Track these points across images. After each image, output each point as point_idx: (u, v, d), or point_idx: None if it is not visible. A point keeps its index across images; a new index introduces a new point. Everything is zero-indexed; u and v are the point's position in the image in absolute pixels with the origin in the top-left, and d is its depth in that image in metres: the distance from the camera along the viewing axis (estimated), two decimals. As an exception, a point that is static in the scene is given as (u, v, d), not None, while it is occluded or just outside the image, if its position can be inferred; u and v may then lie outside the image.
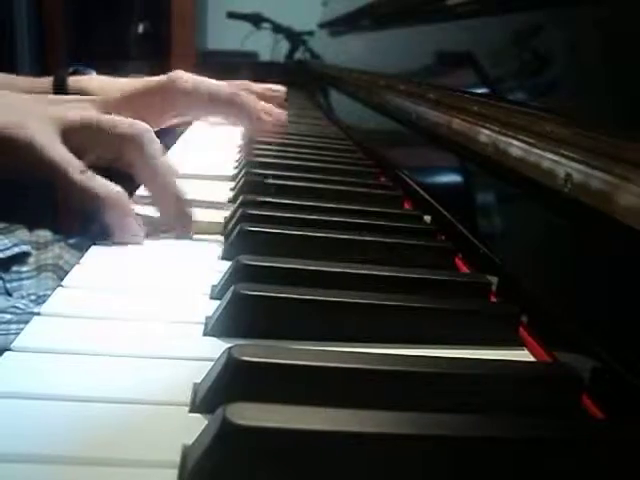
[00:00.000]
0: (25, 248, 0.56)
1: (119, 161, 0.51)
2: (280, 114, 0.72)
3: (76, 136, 0.50)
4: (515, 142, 0.47)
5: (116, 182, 0.49)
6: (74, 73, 0.88)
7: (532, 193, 0.44)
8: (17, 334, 0.33)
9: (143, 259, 0.46)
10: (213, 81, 0.65)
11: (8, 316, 0.45)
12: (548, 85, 0.47)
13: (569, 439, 0.24)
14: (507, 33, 0.56)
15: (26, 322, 0.35)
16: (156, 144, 0.51)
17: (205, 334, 0.35)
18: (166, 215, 0.52)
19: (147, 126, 0.52)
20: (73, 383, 0.29)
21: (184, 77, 0.63)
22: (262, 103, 0.69)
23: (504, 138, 0.49)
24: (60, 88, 0.93)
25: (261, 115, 0.67)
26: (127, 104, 0.58)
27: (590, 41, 0.42)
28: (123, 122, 0.52)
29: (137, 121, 0.52)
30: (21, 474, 0.23)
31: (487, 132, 0.52)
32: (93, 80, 0.93)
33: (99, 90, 0.92)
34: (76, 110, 0.53)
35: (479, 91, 0.60)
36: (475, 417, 0.25)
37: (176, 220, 0.52)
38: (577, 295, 0.36)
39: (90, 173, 0.48)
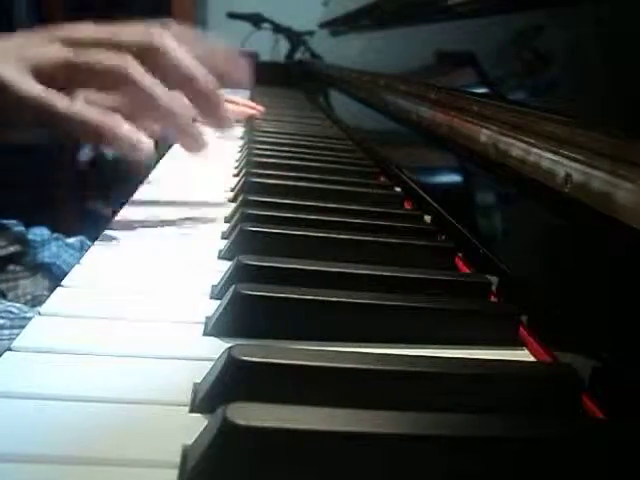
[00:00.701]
0: (20, 248, 0.55)
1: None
2: None
3: (48, 76, 0.47)
4: (515, 142, 0.47)
5: (115, 177, 0.48)
6: None
7: (532, 193, 0.44)
8: (10, 339, 0.33)
9: (143, 259, 0.46)
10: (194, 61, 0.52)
11: (1, 321, 0.44)
12: (548, 85, 0.47)
13: (569, 439, 0.24)
14: (507, 33, 0.56)
15: (19, 327, 0.34)
16: (142, 73, 0.47)
17: (205, 334, 0.35)
18: (173, 132, 0.50)
19: (126, 57, 0.48)
20: (73, 383, 0.29)
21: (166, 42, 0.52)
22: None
23: (504, 138, 0.49)
24: None
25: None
26: (102, 46, 0.50)
27: (590, 41, 0.42)
28: (97, 56, 0.47)
29: (111, 54, 0.48)
30: (20, 474, 0.23)
31: (487, 132, 0.52)
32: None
33: None
34: (41, 46, 0.48)
35: (479, 91, 0.60)
36: (474, 417, 0.25)
37: (184, 140, 0.50)
38: (577, 295, 0.36)
39: (70, 101, 0.46)
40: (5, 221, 0.68)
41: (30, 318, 0.36)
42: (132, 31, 0.50)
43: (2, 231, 0.68)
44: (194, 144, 0.52)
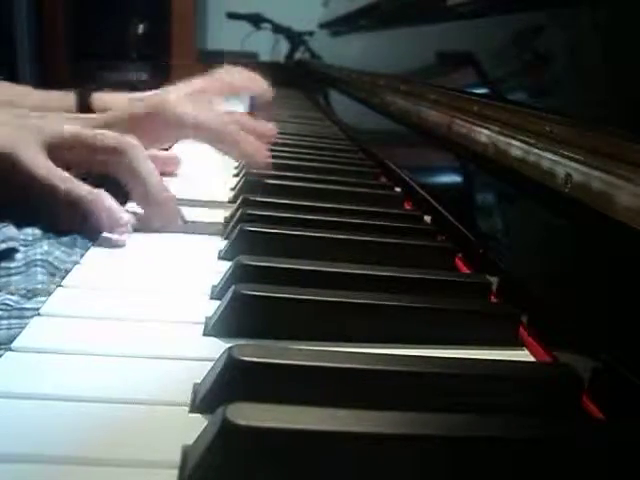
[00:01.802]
0: (13, 244, 0.56)
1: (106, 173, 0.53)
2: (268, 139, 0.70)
3: (61, 151, 0.52)
4: (515, 142, 0.47)
5: (110, 191, 0.50)
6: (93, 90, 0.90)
7: (532, 193, 0.44)
8: (8, 329, 0.33)
9: (143, 259, 0.46)
10: (204, 109, 0.62)
11: None
12: (548, 85, 0.47)
13: (569, 439, 0.24)
14: (507, 33, 0.56)
15: (16, 317, 0.35)
16: (140, 158, 0.52)
17: (205, 334, 0.35)
18: (157, 222, 0.53)
19: (133, 141, 0.53)
20: (73, 383, 0.29)
21: (170, 105, 0.61)
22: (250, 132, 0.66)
23: (504, 138, 0.49)
24: (83, 109, 0.95)
25: (249, 150, 0.64)
26: (114, 127, 0.57)
27: (590, 41, 0.42)
28: (106, 135, 0.53)
29: (122, 136, 0.53)
30: (21, 474, 0.23)
31: (487, 132, 0.52)
32: (117, 97, 0.95)
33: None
34: (59, 124, 0.54)
35: (479, 91, 0.60)
36: (474, 417, 0.25)
37: (168, 225, 0.53)
38: (577, 295, 0.36)
39: (74, 180, 0.50)
40: None
41: (27, 309, 0.36)
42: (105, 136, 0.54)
43: None
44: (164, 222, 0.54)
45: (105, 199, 0.50)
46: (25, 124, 0.53)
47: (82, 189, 0.50)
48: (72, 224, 0.50)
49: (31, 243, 0.64)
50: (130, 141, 0.53)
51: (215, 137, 0.62)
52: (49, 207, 0.51)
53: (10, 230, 0.57)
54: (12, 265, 0.58)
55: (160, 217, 0.53)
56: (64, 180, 0.50)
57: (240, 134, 0.63)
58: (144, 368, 0.31)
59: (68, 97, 0.97)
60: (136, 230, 0.51)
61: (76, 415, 0.27)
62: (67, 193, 0.49)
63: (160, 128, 0.61)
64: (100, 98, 0.96)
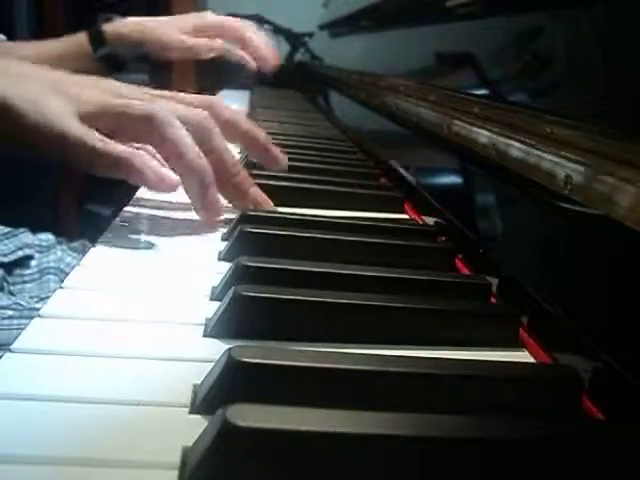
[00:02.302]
0: (28, 252, 0.56)
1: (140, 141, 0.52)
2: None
3: (94, 119, 0.51)
4: (515, 143, 0.47)
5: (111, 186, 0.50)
6: (107, 20, 0.93)
7: (532, 194, 0.44)
8: (19, 329, 0.33)
9: (143, 260, 0.46)
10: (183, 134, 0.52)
11: (10, 312, 0.46)
12: (548, 86, 0.47)
13: (569, 439, 0.24)
14: (507, 34, 0.56)
15: (28, 318, 0.35)
16: (174, 123, 0.50)
17: (205, 335, 0.35)
18: (192, 195, 0.52)
19: (165, 106, 0.51)
20: (73, 384, 0.29)
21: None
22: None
23: (504, 139, 0.49)
24: (98, 40, 0.99)
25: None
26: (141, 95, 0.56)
27: (590, 41, 0.42)
28: (134, 105, 0.51)
29: (153, 102, 0.52)
30: (21, 475, 0.23)
31: (487, 133, 0.52)
32: (127, 21, 1.00)
33: (135, 29, 1.00)
34: (91, 93, 0.53)
35: (479, 92, 0.60)
36: (474, 418, 0.25)
37: (202, 203, 0.52)
38: (577, 296, 0.36)
39: (107, 140, 0.49)
40: (13, 227, 0.69)
41: (38, 309, 0.36)
42: (137, 104, 0.53)
43: (10, 237, 0.69)
44: (207, 211, 0.53)
45: (148, 157, 0.49)
46: (59, 90, 0.52)
47: (121, 148, 0.49)
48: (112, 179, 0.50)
49: (45, 249, 0.65)
50: (158, 108, 0.51)
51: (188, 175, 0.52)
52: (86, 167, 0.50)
53: (26, 237, 0.58)
54: (26, 272, 0.59)
55: (197, 183, 0.51)
56: (103, 141, 0.49)
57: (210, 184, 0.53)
58: (144, 369, 0.31)
59: (81, 36, 1.01)
60: (135, 230, 0.51)
61: (76, 416, 0.27)
62: (108, 153, 0.48)
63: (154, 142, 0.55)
64: (112, 26, 1.00)
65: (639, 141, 0.32)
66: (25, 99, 0.49)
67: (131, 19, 1.12)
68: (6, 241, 0.68)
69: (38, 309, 0.36)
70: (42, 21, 2.43)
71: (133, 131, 0.51)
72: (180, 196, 0.65)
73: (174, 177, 0.49)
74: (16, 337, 0.33)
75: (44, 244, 0.66)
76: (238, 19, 1.21)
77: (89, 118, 0.50)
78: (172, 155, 0.50)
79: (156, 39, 1.07)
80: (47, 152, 0.51)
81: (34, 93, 0.50)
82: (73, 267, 0.47)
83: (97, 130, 0.50)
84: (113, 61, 1.08)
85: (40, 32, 2.43)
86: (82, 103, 0.51)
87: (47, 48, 1.05)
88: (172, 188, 0.49)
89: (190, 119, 0.52)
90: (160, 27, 1.09)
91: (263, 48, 1.12)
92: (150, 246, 0.49)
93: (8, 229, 0.71)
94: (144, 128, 0.50)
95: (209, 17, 1.15)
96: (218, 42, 1.08)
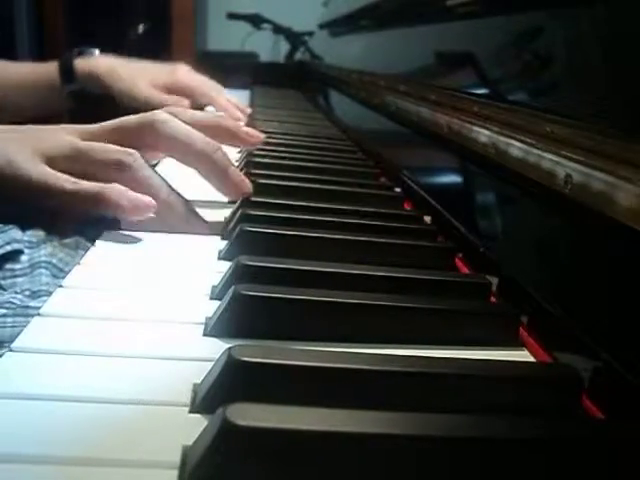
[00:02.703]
0: (17, 246, 0.56)
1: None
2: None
3: (58, 164, 0.51)
4: (515, 142, 0.47)
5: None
6: (80, 54, 0.93)
7: (532, 193, 0.44)
8: (13, 327, 0.33)
9: (143, 259, 0.46)
10: (190, 128, 0.57)
11: (3, 310, 0.46)
12: (548, 85, 0.47)
13: (569, 439, 0.24)
14: (507, 33, 0.56)
15: (22, 315, 0.35)
16: (145, 167, 0.52)
17: (205, 334, 0.35)
18: (214, 179, 0.57)
19: (128, 150, 0.52)
20: (73, 384, 0.29)
21: (162, 117, 0.56)
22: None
23: (504, 138, 0.49)
24: (68, 72, 0.99)
25: (230, 180, 0.59)
26: (109, 136, 0.55)
27: (590, 41, 0.42)
28: (102, 148, 0.52)
29: (114, 147, 0.52)
30: (21, 474, 0.23)
31: (487, 132, 0.52)
32: (100, 61, 1.00)
33: (109, 72, 1.01)
34: (52, 138, 0.53)
35: (479, 91, 0.60)
36: (474, 418, 0.25)
37: (226, 183, 0.57)
38: (577, 295, 0.36)
39: (76, 180, 0.50)
40: (2, 224, 0.69)
41: (32, 307, 0.36)
42: (133, 118, 0.56)
43: (1, 232, 0.69)
44: (235, 187, 0.58)
45: (122, 188, 0.49)
46: (25, 136, 0.53)
47: (92, 185, 0.49)
48: (82, 220, 0.51)
49: (35, 245, 0.65)
50: (132, 152, 0.51)
51: (202, 161, 0.57)
52: (54, 209, 0.51)
53: (15, 232, 0.58)
54: (17, 267, 0.59)
55: (173, 219, 0.52)
56: (69, 181, 0.50)
57: (228, 164, 0.58)
58: (144, 368, 0.31)
59: (51, 67, 1.02)
60: (135, 229, 0.51)
61: (75, 415, 0.27)
62: (75, 192, 0.49)
63: (153, 142, 0.57)
64: (85, 63, 1.01)
65: (639, 140, 0.32)
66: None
67: (104, 59, 1.13)
68: None
69: (32, 307, 0.36)
70: (42, 21, 2.44)
71: (104, 174, 0.51)
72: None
73: (148, 200, 0.49)
74: (10, 335, 0.33)
75: (34, 240, 0.66)
76: (207, 81, 1.21)
77: (57, 161, 0.51)
78: (179, 149, 0.54)
79: (126, 90, 1.09)
80: (19, 200, 0.51)
81: None
82: (66, 262, 0.47)
83: (67, 172, 0.50)
84: (80, 97, 1.09)
85: (40, 32, 2.43)
86: (47, 148, 0.52)
87: (14, 71, 1.05)
88: (149, 211, 0.49)
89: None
90: (132, 78, 1.10)
91: (233, 109, 1.14)
92: (150, 245, 0.49)
93: None
94: (117, 174, 0.51)
95: (180, 75, 1.16)
96: (185, 103, 1.08)
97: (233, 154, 0.90)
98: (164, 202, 0.52)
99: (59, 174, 0.50)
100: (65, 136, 0.54)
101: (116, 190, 0.49)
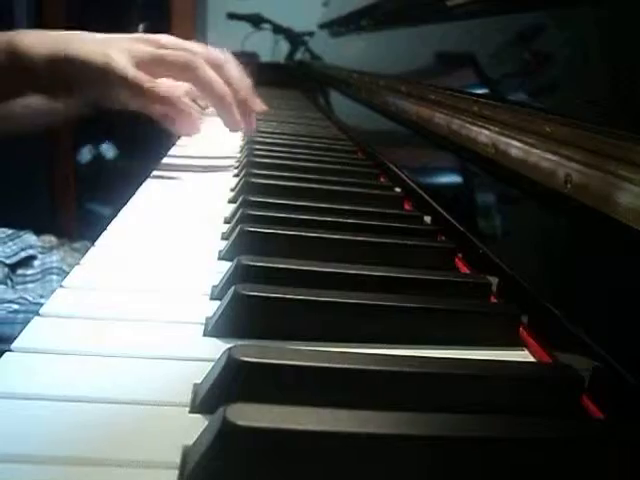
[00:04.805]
0: (31, 252, 0.57)
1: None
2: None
3: (145, 65, 0.66)
4: (515, 143, 0.47)
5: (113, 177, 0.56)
6: None
7: (532, 193, 0.44)
8: (23, 324, 0.33)
9: (143, 259, 0.46)
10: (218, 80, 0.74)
11: (15, 306, 0.46)
12: (548, 85, 0.47)
13: (569, 439, 0.24)
14: (507, 33, 0.56)
15: (33, 312, 0.35)
16: (204, 66, 0.69)
17: (205, 334, 0.35)
18: (222, 113, 0.73)
19: (198, 50, 0.72)
20: (73, 384, 0.29)
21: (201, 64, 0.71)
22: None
23: (504, 139, 0.49)
24: None
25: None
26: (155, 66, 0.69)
27: (590, 41, 0.42)
28: (178, 54, 0.69)
29: (187, 51, 0.70)
30: (21, 475, 0.23)
31: (487, 132, 0.52)
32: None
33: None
34: (138, 46, 0.68)
35: (479, 91, 0.60)
36: (474, 417, 0.25)
37: (240, 121, 0.75)
38: (577, 295, 0.36)
39: (156, 81, 0.65)
40: (17, 229, 0.70)
41: (43, 304, 0.36)
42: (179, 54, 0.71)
43: (14, 238, 0.70)
44: (234, 123, 0.75)
45: (187, 102, 0.68)
46: (113, 45, 0.66)
47: (168, 89, 0.65)
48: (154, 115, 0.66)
49: (47, 250, 0.66)
50: (191, 57, 0.68)
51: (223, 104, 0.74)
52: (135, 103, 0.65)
53: (29, 237, 0.59)
54: (29, 272, 0.61)
55: (224, 103, 0.71)
56: (153, 82, 0.64)
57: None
58: (144, 368, 0.31)
59: None
60: (135, 229, 0.51)
61: (76, 415, 0.27)
62: (156, 91, 0.64)
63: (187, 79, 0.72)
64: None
65: (639, 140, 0.32)
66: (88, 50, 0.62)
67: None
68: (10, 243, 0.69)
69: (43, 304, 0.37)
70: (42, 22, 2.43)
71: (175, 73, 0.68)
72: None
73: (198, 118, 0.69)
74: (20, 332, 0.33)
75: (47, 245, 0.67)
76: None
77: (142, 65, 0.65)
78: (206, 88, 0.70)
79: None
80: (103, 96, 0.65)
81: (94, 47, 0.64)
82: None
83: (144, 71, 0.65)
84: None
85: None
86: (134, 53, 0.66)
87: None
88: (196, 125, 0.69)
89: (213, 60, 0.72)
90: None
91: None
92: (150, 245, 0.49)
93: (12, 231, 0.72)
94: (185, 71, 0.67)
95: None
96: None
97: (234, 154, 0.90)
98: (217, 93, 0.70)
99: (143, 75, 0.64)
100: (144, 45, 0.69)
101: (182, 101, 0.66)
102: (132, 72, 0.63)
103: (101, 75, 0.62)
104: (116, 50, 0.64)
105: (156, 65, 0.67)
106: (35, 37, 0.63)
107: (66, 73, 0.63)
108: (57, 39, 0.64)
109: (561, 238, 0.41)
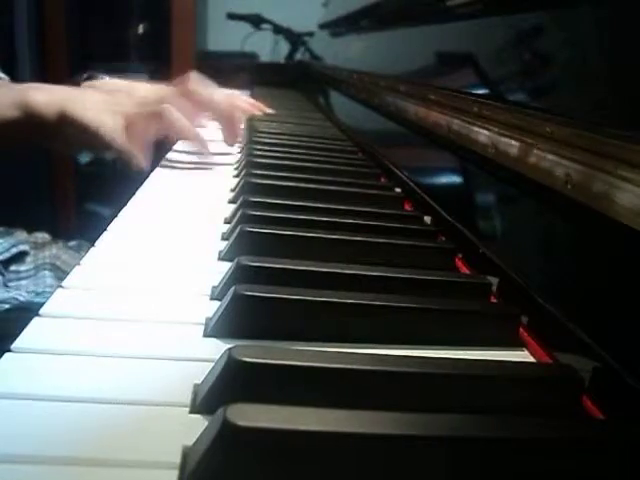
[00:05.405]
0: (22, 247, 0.57)
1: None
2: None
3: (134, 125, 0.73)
4: (515, 143, 0.47)
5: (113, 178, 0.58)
6: (88, 79, 0.94)
7: (532, 193, 0.44)
8: (17, 322, 0.33)
9: (143, 260, 0.46)
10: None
11: (7, 306, 0.46)
12: (548, 85, 0.47)
13: (569, 439, 0.24)
14: (507, 34, 0.56)
15: (27, 310, 0.35)
16: (175, 113, 0.75)
17: (205, 335, 0.35)
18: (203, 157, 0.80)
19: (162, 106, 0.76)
20: (73, 384, 0.29)
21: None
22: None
23: (504, 139, 0.49)
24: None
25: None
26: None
27: (590, 41, 0.42)
28: (157, 108, 0.75)
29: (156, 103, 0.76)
30: (21, 475, 0.23)
31: (487, 133, 0.52)
32: (105, 84, 1.03)
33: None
34: (127, 104, 0.75)
35: (479, 92, 0.60)
36: (474, 417, 0.25)
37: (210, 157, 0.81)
38: (577, 295, 0.36)
39: (135, 146, 0.72)
40: (9, 226, 0.71)
41: (37, 303, 0.36)
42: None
43: (5, 235, 0.70)
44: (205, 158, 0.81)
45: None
46: (106, 105, 0.72)
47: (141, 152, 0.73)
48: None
49: (40, 246, 0.67)
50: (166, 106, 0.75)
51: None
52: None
53: (20, 234, 0.60)
54: (22, 268, 0.61)
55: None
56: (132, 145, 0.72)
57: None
58: (144, 369, 0.31)
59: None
60: (135, 230, 0.51)
61: (76, 416, 0.27)
62: (133, 153, 0.71)
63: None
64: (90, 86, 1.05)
65: (639, 140, 0.32)
66: (87, 114, 0.69)
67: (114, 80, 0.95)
68: (1, 240, 0.69)
69: (36, 303, 0.37)
70: (42, 22, 2.43)
71: (159, 124, 0.75)
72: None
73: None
74: (14, 330, 0.33)
75: (39, 241, 0.68)
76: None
77: (132, 124, 0.72)
78: (179, 133, 0.77)
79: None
80: (94, 149, 0.76)
81: (93, 112, 0.70)
82: (69, 264, 0.47)
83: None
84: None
85: (41, 33, 2.43)
86: (126, 114, 0.72)
87: None
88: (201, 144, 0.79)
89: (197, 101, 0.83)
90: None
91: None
92: (150, 246, 0.49)
93: (2, 228, 0.72)
94: (161, 121, 0.74)
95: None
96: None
97: (234, 153, 0.90)
98: (187, 133, 0.77)
99: (127, 141, 0.71)
100: (130, 104, 0.75)
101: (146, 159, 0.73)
102: (119, 139, 0.71)
103: (93, 137, 0.70)
104: (110, 114, 0.72)
105: (144, 122, 0.74)
106: (47, 96, 0.70)
107: (67, 132, 0.71)
108: (64, 97, 0.71)
109: (561, 238, 0.41)
